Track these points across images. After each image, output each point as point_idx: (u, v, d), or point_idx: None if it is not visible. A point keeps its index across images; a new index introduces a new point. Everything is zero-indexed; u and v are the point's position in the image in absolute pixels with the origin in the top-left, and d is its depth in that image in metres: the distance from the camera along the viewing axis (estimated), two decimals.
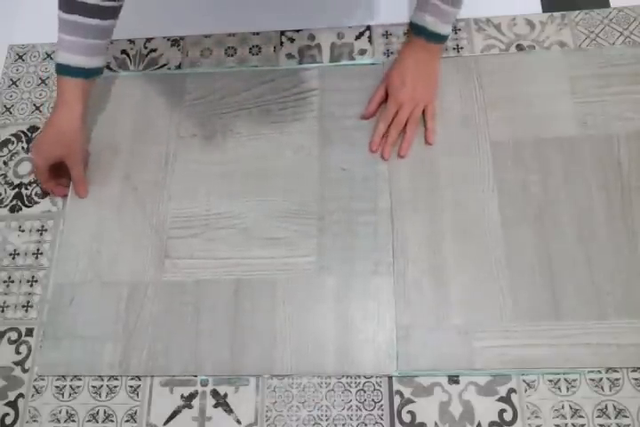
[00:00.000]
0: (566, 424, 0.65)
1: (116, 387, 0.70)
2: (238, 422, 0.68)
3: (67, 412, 0.70)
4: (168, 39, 0.89)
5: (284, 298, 0.72)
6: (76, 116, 0.75)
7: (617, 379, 0.66)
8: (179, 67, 0.87)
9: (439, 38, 0.76)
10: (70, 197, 0.81)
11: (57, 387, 0.71)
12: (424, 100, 0.77)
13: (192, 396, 0.69)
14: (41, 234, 0.79)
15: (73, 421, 0.70)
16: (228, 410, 0.68)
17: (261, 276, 0.73)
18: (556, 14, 0.84)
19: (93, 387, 0.71)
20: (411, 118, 0.77)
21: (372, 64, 0.84)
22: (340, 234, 0.74)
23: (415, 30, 0.76)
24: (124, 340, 0.72)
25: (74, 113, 0.75)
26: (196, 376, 0.70)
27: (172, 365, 0.70)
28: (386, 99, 0.79)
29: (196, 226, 0.77)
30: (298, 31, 0.88)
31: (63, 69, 0.74)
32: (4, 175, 0.84)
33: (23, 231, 0.80)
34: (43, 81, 0.89)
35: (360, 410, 0.67)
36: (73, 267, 0.76)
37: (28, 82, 0.89)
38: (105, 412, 0.70)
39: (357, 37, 0.86)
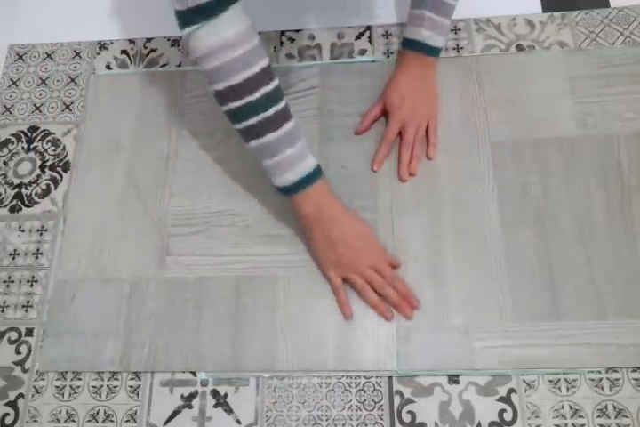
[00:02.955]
0: (566, 424, 0.65)
1: (116, 387, 0.71)
2: (238, 422, 0.68)
3: (67, 412, 0.70)
4: (168, 39, 0.89)
5: (285, 295, 0.72)
6: (353, 214, 0.70)
7: (617, 379, 0.66)
8: (179, 67, 0.87)
9: (435, 52, 0.76)
10: (71, 193, 0.81)
11: (57, 387, 0.71)
12: (426, 116, 0.77)
13: (192, 396, 0.69)
14: (41, 234, 0.79)
15: (73, 421, 0.70)
16: (228, 410, 0.68)
17: (262, 273, 0.73)
18: (556, 14, 0.84)
19: (93, 387, 0.71)
20: (416, 137, 0.76)
21: (373, 62, 0.84)
22: None
23: (411, 46, 0.76)
24: (125, 336, 0.72)
25: (351, 214, 0.70)
26: (195, 376, 0.70)
27: (173, 361, 0.70)
28: (380, 115, 0.79)
29: (198, 223, 0.77)
30: (298, 31, 0.88)
31: (313, 176, 0.66)
32: (4, 175, 0.84)
33: (23, 231, 0.80)
34: (43, 81, 0.89)
35: (360, 410, 0.67)
36: (74, 263, 0.76)
37: (28, 82, 0.89)
38: (105, 412, 0.70)
39: (357, 37, 0.86)
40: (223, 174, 0.79)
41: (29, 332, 0.74)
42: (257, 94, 0.62)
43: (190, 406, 0.69)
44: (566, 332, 0.67)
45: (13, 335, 0.74)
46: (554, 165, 0.75)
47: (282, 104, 0.64)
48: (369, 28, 0.87)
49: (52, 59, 0.91)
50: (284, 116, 0.64)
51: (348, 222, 0.69)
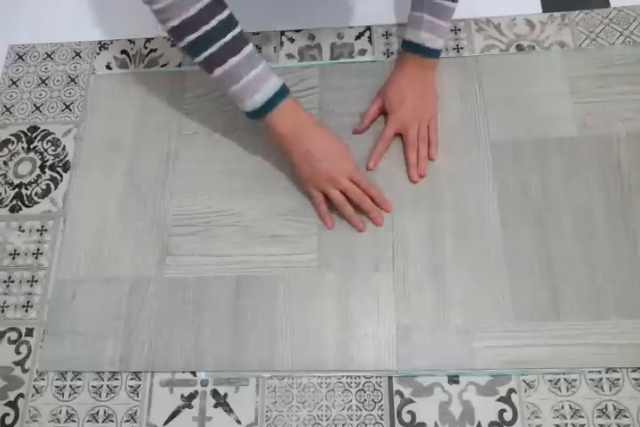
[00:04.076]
0: (566, 424, 0.65)
1: (116, 387, 0.71)
2: (238, 422, 0.68)
3: (67, 412, 0.70)
4: (168, 39, 0.89)
5: (285, 295, 0.72)
6: (326, 128, 0.73)
7: (617, 379, 0.66)
8: (179, 67, 0.87)
9: (435, 54, 0.76)
10: (71, 193, 0.81)
11: (57, 387, 0.71)
12: (426, 116, 0.77)
13: (192, 396, 0.69)
14: (41, 234, 0.79)
15: (73, 421, 0.70)
16: (228, 410, 0.68)
17: (262, 273, 0.73)
18: (556, 14, 0.84)
19: (93, 387, 0.71)
20: (419, 137, 0.76)
21: (373, 62, 0.84)
22: (340, 232, 0.74)
23: (410, 48, 0.76)
24: (126, 336, 0.72)
25: (325, 128, 0.72)
26: (195, 376, 0.70)
27: (173, 361, 0.70)
28: (379, 115, 0.79)
29: (198, 223, 0.77)
30: (298, 31, 0.88)
31: (282, 94, 0.69)
32: (4, 175, 0.84)
33: (23, 231, 0.80)
34: (43, 81, 0.89)
35: (360, 410, 0.67)
36: (75, 263, 0.76)
37: (28, 82, 0.89)
38: (105, 412, 0.70)
39: (357, 37, 0.86)
40: (223, 174, 0.79)
41: (29, 332, 0.74)
42: (213, 22, 0.63)
43: (190, 406, 0.69)
44: (566, 332, 0.67)
45: (13, 335, 0.74)
46: (554, 165, 0.75)
47: (238, 29, 0.66)
48: (369, 28, 0.87)
49: (51, 59, 0.91)
50: (241, 40, 0.66)
51: (322, 136, 0.72)
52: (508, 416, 0.65)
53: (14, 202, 0.82)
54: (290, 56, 0.86)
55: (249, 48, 0.67)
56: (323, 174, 0.71)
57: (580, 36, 0.82)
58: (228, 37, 0.65)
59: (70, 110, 0.86)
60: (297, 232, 0.75)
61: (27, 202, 0.82)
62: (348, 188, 0.72)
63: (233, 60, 0.66)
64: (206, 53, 0.65)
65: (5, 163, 0.84)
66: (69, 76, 0.89)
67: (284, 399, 0.68)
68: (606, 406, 0.65)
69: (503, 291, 0.70)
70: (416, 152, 0.76)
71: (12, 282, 0.77)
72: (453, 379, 0.67)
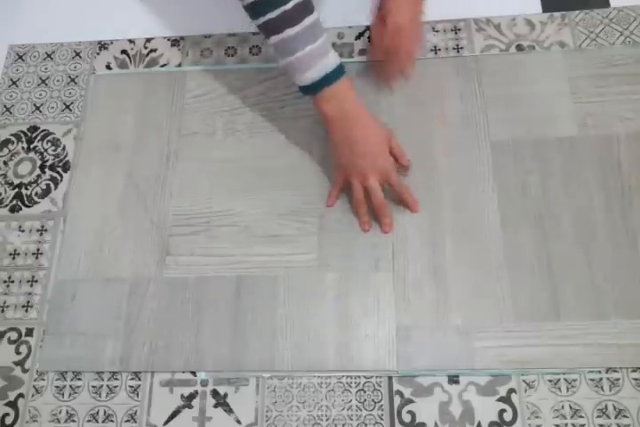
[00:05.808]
0: (566, 424, 0.65)
1: (116, 387, 0.71)
2: (238, 422, 0.68)
3: (67, 412, 0.70)
4: (168, 39, 0.89)
5: (285, 295, 0.72)
6: (376, 120, 0.69)
7: (617, 379, 0.66)
8: (179, 67, 0.87)
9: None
10: (71, 193, 0.81)
11: (57, 387, 0.71)
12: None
13: (192, 396, 0.69)
14: (41, 234, 0.79)
15: (73, 421, 0.70)
16: (228, 410, 0.68)
17: (262, 273, 0.73)
18: (556, 14, 0.84)
19: (93, 387, 0.71)
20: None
21: (373, 62, 0.84)
22: (340, 232, 0.74)
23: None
24: (126, 336, 0.72)
25: (374, 119, 0.68)
26: (195, 376, 0.70)
27: (173, 361, 0.70)
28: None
29: (198, 223, 0.77)
30: None
31: (335, 74, 0.65)
32: (4, 175, 0.84)
33: (23, 231, 0.80)
34: (43, 81, 0.89)
35: (360, 410, 0.67)
36: (75, 263, 0.76)
37: (28, 82, 0.89)
38: (105, 412, 0.70)
39: (357, 37, 0.86)
40: (223, 174, 0.79)
41: (29, 332, 0.74)
42: None
43: (190, 406, 0.69)
44: (566, 332, 0.67)
45: (13, 335, 0.74)
46: (554, 165, 0.75)
47: None
48: (369, 28, 0.87)
49: (51, 59, 0.91)
50: (304, 9, 0.62)
51: (368, 127, 0.69)
52: (507, 416, 0.65)
53: (14, 202, 0.82)
54: None
55: (310, 19, 0.62)
56: (355, 166, 0.69)
57: (580, 36, 0.82)
58: (290, 5, 0.61)
59: (70, 110, 0.86)
60: (297, 232, 0.75)
61: (27, 202, 0.82)
62: (373, 189, 0.69)
63: (290, 31, 0.62)
64: (265, 18, 0.62)
65: (5, 163, 0.84)
66: (69, 76, 0.89)
67: (284, 399, 0.68)
68: (606, 406, 0.65)
69: (503, 291, 0.70)
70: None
71: (12, 282, 0.77)
72: (453, 379, 0.67)
